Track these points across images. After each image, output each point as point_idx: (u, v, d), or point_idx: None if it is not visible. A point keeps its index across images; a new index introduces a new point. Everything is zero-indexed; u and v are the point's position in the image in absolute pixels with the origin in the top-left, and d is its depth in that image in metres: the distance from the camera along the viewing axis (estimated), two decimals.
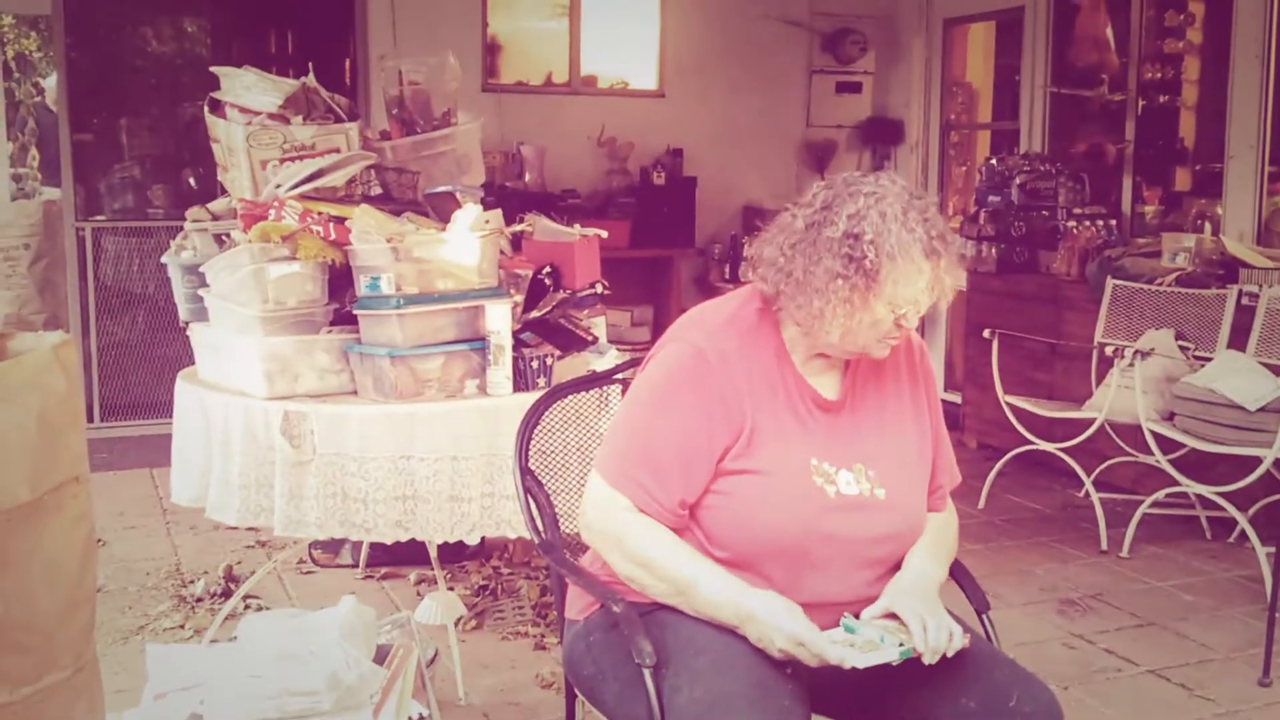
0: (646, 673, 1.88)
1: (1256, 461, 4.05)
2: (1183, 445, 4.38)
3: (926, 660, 1.89)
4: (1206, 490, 4.38)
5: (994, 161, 6.44)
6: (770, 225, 2.07)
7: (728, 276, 7.41)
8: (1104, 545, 4.61)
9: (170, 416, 3.44)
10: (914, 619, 1.90)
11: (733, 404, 1.98)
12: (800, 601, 1.96)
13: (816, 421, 2.04)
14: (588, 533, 2.06)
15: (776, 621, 1.87)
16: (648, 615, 1.99)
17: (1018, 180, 6.22)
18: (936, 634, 1.88)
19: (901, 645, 1.87)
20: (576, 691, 2.21)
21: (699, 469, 1.98)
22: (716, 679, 1.84)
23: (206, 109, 3.52)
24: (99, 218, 6.48)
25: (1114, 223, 6.15)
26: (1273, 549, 3.73)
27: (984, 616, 2.17)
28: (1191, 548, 4.67)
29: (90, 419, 6.20)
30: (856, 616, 1.99)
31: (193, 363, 3.53)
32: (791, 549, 1.96)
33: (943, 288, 1.96)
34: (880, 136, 7.83)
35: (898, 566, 2.07)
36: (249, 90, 3.41)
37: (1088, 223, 6.04)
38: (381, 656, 1.83)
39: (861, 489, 2.01)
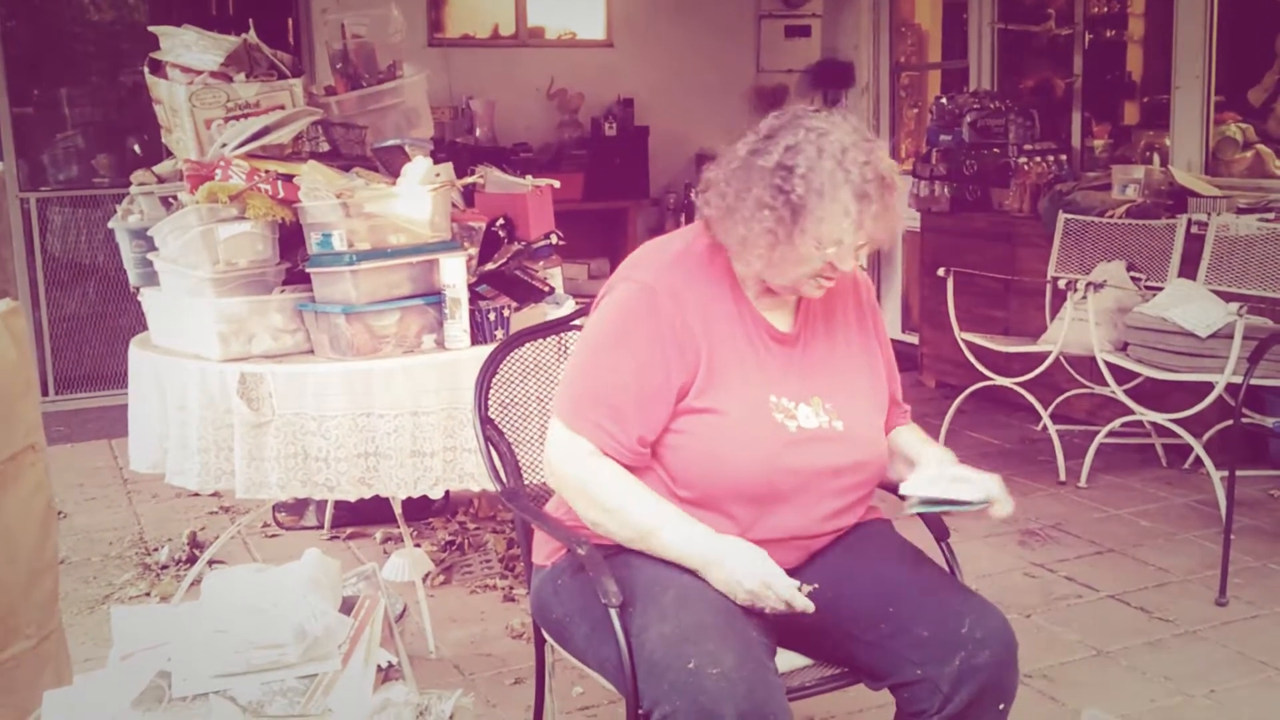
0: (613, 612, 1.89)
1: (1209, 387, 4.11)
2: (1137, 375, 4.44)
3: (1002, 511, 2.01)
4: (1161, 418, 4.44)
5: (944, 100, 6.45)
6: (722, 152, 2.05)
7: (683, 225, 7.39)
8: (1062, 476, 4.68)
9: (126, 386, 3.41)
10: (980, 479, 2.04)
11: (686, 341, 1.98)
12: (764, 537, 1.98)
13: (772, 355, 2.04)
14: (552, 478, 2.07)
15: (743, 564, 1.89)
16: (612, 557, 2.00)
17: (968, 119, 6.24)
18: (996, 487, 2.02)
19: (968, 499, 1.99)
20: (546, 637, 2.23)
21: (656, 406, 1.98)
22: (683, 613, 1.86)
23: (147, 70, 3.47)
24: (43, 189, 6.37)
25: (1064, 157, 6.18)
26: (1226, 473, 3.79)
27: (943, 544, 2.20)
28: (1148, 475, 4.74)
29: (45, 392, 6.13)
30: (814, 551, 2.03)
31: (145, 330, 3.50)
32: (755, 486, 1.98)
33: (871, 232, 1.93)
34: (831, 80, 7.81)
35: (861, 498, 2.10)
36: (189, 49, 3.36)
37: (1038, 158, 6.07)
38: (348, 608, 1.83)
39: (820, 421, 2.02)
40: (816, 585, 2.06)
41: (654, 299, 1.99)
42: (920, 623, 1.96)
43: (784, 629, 2.03)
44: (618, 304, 2.04)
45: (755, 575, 1.88)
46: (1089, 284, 4.49)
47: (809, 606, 1.88)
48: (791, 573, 2.08)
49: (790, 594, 1.88)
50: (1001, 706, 1.95)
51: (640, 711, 1.85)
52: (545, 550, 2.19)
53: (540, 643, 2.31)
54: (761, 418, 1.99)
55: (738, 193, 1.94)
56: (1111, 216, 5.14)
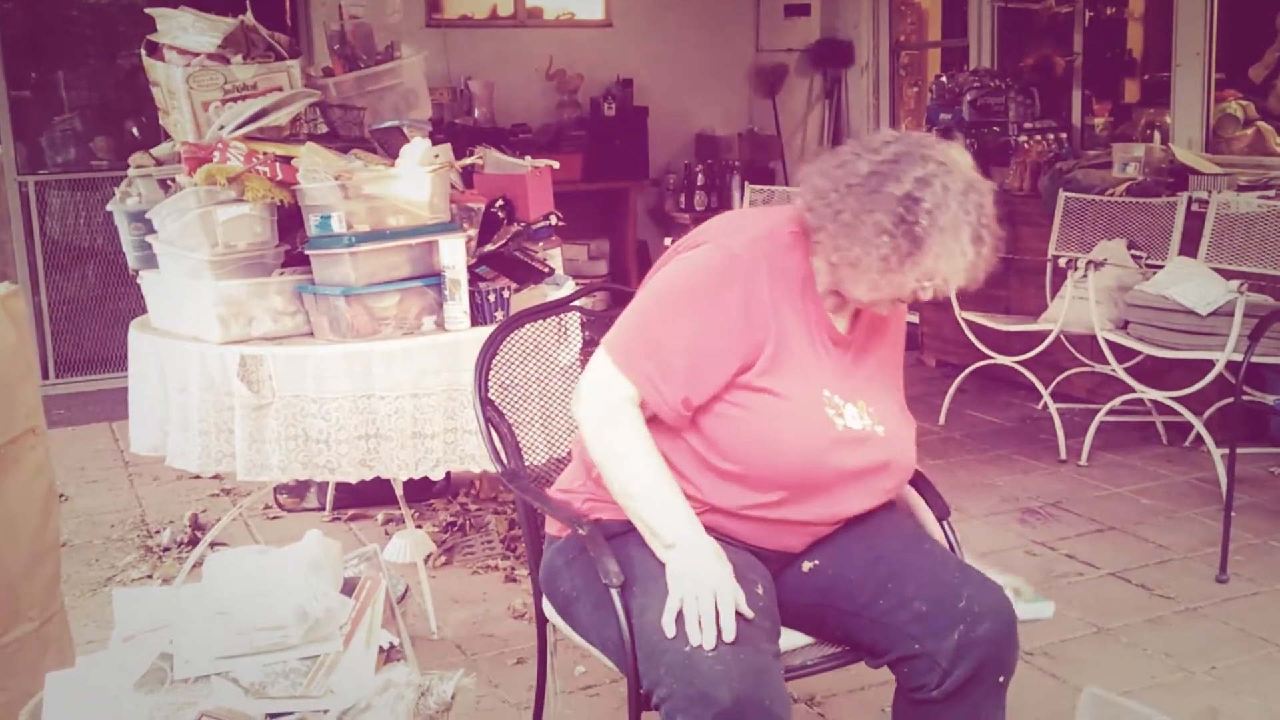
0: (614, 592, 1.90)
1: (1209, 365, 4.10)
2: (1137, 353, 4.43)
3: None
4: (1162, 396, 4.44)
5: (944, 79, 6.43)
6: (826, 155, 2.01)
7: (683, 206, 7.40)
8: (1063, 454, 4.68)
9: (126, 369, 3.41)
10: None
11: (757, 317, 1.96)
12: (783, 518, 2.00)
13: (829, 354, 2.04)
14: (579, 406, 2.02)
15: (707, 566, 1.87)
16: (620, 536, 2.01)
17: (968, 97, 6.22)
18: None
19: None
20: (548, 614, 2.23)
21: (710, 374, 1.96)
22: (664, 599, 1.86)
23: (144, 52, 3.45)
24: (42, 172, 6.36)
25: (1064, 136, 6.17)
26: (1227, 451, 3.80)
27: (945, 523, 2.20)
28: (1148, 453, 4.74)
29: (45, 376, 6.14)
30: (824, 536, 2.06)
31: (145, 313, 3.50)
32: (798, 474, 1.97)
33: (975, 274, 1.94)
34: (830, 59, 7.79)
35: (886, 499, 2.12)
36: (186, 31, 3.34)
37: (1039, 137, 6.06)
38: (349, 589, 1.84)
39: (865, 424, 2.03)
40: (817, 562, 2.07)
41: (737, 268, 1.97)
42: (918, 598, 1.97)
43: (785, 609, 2.03)
44: (699, 263, 2.00)
45: (709, 602, 1.82)
46: (1089, 262, 4.49)
47: (728, 633, 1.82)
48: (793, 555, 2.08)
49: (728, 617, 1.83)
50: (1001, 679, 1.96)
51: (640, 691, 1.85)
52: (559, 522, 2.18)
53: (542, 623, 2.31)
54: (815, 409, 1.99)
55: (856, 212, 1.90)
56: (1112, 194, 5.13)
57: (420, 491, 4.25)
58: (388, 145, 3.40)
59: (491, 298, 3.20)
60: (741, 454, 1.97)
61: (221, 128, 3.24)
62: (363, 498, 4.16)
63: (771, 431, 1.95)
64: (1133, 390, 4.52)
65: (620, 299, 2.58)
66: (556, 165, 3.81)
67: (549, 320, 2.59)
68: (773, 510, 2.00)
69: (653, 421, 2.00)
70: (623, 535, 2.01)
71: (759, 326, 1.96)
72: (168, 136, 3.59)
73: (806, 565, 2.08)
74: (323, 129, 3.57)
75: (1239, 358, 3.78)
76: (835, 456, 1.98)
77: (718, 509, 2.00)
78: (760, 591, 1.94)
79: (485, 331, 2.52)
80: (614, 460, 1.97)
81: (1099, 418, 4.68)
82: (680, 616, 1.82)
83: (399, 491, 3.49)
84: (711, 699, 1.72)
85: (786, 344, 1.98)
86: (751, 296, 1.96)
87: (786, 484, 1.98)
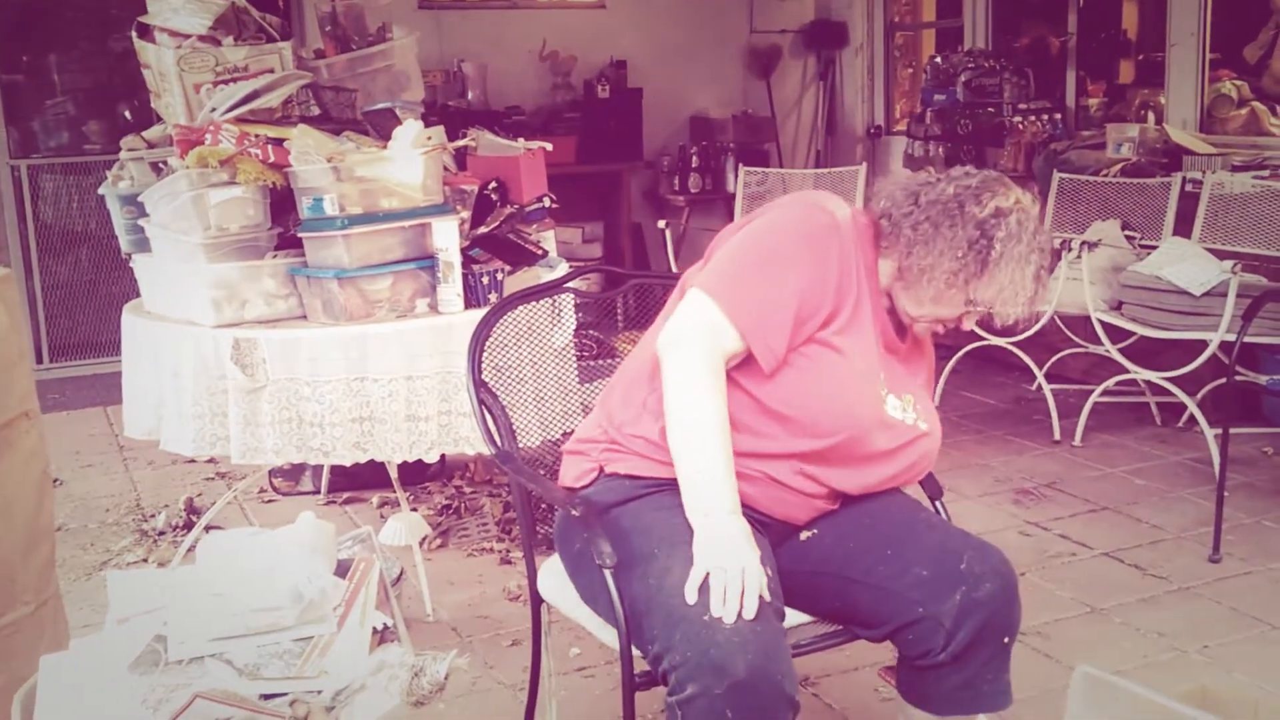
0: (608, 574, 1.90)
1: (1203, 345, 4.11)
2: (1131, 333, 4.43)
3: None
4: (1155, 376, 4.44)
5: (939, 60, 6.42)
6: (910, 174, 2.15)
7: (677, 188, 7.38)
8: (1057, 435, 4.69)
9: (120, 354, 3.40)
10: None
11: (847, 280, 2.03)
12: (799, 487, 2.03)
13: (882, 348, 2.10)
14: (675, 349, 1.98)
15: (737, 544, 1.86)
16: (649, 496, 2.01)
17: (963, 78, 6.22)
18: None
19: None
20: (544, 597, 2.23)
21: (808, 326, 2.00)
22: (688, 566, 1.86)
23: (135, 34, 3.43)
24: (34, 156, 6.33)
25: (1059, 116, 6.16)
26: (1220, 431, 3.80)
27: (938, 502, 2.21)
28: (1142, 434, 4.75)
29: (39, 360, 6.13)
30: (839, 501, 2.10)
31: (138, 297, 3.49)
32: (846, 430, 2.01)
33: (1026, 311, 2.05)
34: (824, 40, 7.78)
35: (903, 480, 2.17)
36: (177, 13, 3.33)
37: (1033, 117, 6.06)
38: (343, 571, 1.84)
39: (906, 416, 2.09)
40: (815, 532, 2.08)
41: (836, 234, 2.04)
42: (919, 563, 1.99)
43: (783, 580, 2.04)
44: (802, 221, 2.06)
45: (738, 578, 1.82)
46: (1084, 243, 4.49)
47: (750, 610, 1.82)
48: (794, 527, 2.09)
49: (749, 609, 1.82)
50: (1006, 640, 1.98)
51: (646, 658, 1.85)
52: (575, 472, 2.16)
53: (537, 604, 2.31)
54: (872, 382, 2.06)
55: (936, 224, 2.01)
56: (1106, 175, 5.13)
57: (415, 474, 4.25)
58: (380, 127, 3.38)
59: (485, 280, 3.20)
60: (799, 399, 1.99)
61: (213, 110, 3.23)
62: (358, 481, 4.16)
63: (833, 385, 2.00)
64: (1126, 371, 4.53)
65: (614, 281, 2.58)
66: (550, 147, 3.80)
67: (543, 302, 2.59)
68: (802, 464, 2.01)
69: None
70: (645, 496, 2.01)
71: (846, 289, 2.03)
72: (159, 119, 3.57)
73: (804, 535, 2.10)
74: (315, 111, 3.55)
75: (1232, 338, 3.78)
76: (876, 433, 2.04)
77: (741, 458, 1.98)
78: (770, 573, 1.94)
79: (479, 314, 2.51)
80: (693, 416, 1.94)
81: (1093, 398, 4.69)
82: (704, 587, 1.82)
83: (394, 474, 3.49)
84: (726, 670, 1.73)
85: (859, 316, 2.05)
86: (845, 260, 2.03)
87: (832, 434, 2.00)
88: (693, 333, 1.97)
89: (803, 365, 2.00)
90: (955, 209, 2.02)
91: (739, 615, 1.78)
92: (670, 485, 1.98)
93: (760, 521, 2.04)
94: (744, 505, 1.99)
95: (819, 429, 1.99)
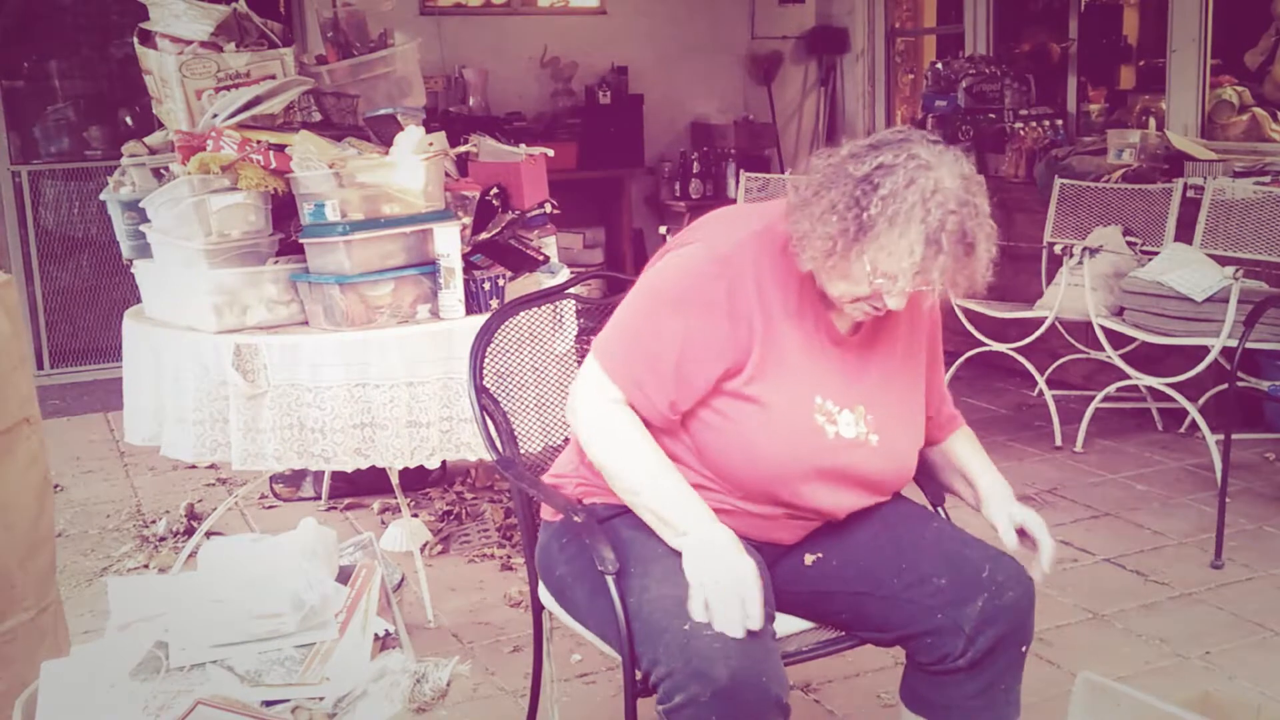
0: (610, 579, 1.90)
1: (1205, 351, 4.11)
2: (1133, 339, 4.43)
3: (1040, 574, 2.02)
4: (1157, 382, 4.44)
5: (940, 66, 6.42)
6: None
7: (679, 194, 7.39)
8: (1058, 441, 4.68)
9: (120, 359, 3.40)
10: (1041, 533, 2.03)
11: (744, 323, 1.92)
12: (773, 515, 2.00)
13: (827, 356, 1.99)
14: (572, 414, 2.01)
15: (726, 569, 1.82)
16: (618, 518, 2.01)
17: (964, 84, 6.22)
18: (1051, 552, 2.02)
19: None
20: (544, 600, 2.23)
21: (696, 378, 1.93)
22: (679, 576, 1.86)
23: (136, 40, 3.44)
24: (35, 162, 6.34)
25: (1060, 122, 6.16)
26: (1222, 437, 3.80)
27: (939, 509, 2.21)
28: (1144, 440, 4.75)
29: (40, 366, 6.13)
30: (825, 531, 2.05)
31: (139, 303, 3.49)
32: (778, 483, 1.96)
33: (931, 281, 1.82)
34: (825, 46, 7.78)
35: (877, 502, 2.09)
36: (179, 19, 3.33)
37: (1034, 124, 6.06)
38: (344, 577, 1.84)
39: (858, 432, 1.99)
40: (820, 555, 2.07)
41: (723, 270, 1.92)
42: (937, 573, 1.97)
43: (786, 598, 2.04)
44: (686, 264, 1.96)
45: (734, 590, 1.80)
46: (1085, 249, 4.49)
47: (755, 622, 1.80)
48: (790, 546, 2.08)
49: (755, 615, 1.80)
50: (1023, 649, 1.97)
51: (639, 673, 1.85)
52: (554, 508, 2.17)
53: (538, 610, 2.31)
54: (803, 418, 1.95)
55: (816, 190, 1.86)
56: (1107, 181, 5.13)
57: (416, 480, 4.25)
58: (382, 133, 3.39)
59: (486, 286, 3.20)
60: (721, 461, 1.96)
61: (215, 116, 3.23)
62: (359, 487, 4.16)
63: (752, 441, 1.93)
64: (1128, 377, 4.52)
65: (616, 286, 2.58)
66: (551, 153, 3.81)
67: (544, 308, 2.59)
68: (756, 507, 1.99)
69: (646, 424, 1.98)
70: (615, 518, 2.01)
71: (745, 332, 1.92)
72: (161, 125, 3.58)
73: (809, 558, 2.07)
74: (316, 117, 3.55)
75: (1234, 344, 3.78)
76: (819, 464, 1.96)
77: (704, 493, 1.97)
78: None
79: (480, 320, 2.51)
80: (612, 459, 1.95)
81: (1094, 404, 4.68)
82: (681, 597, 1.82)
83: (395, 480, 3.49)
84: (709, 676, 1.73)
85: (777, 349, 1.94)
86: (738, 300, 1.92)
87: (765, 493, 1.97)
88: (583, 395, 1.98)
89: (718, 425, 1.94)
90: (839, 168, 1.85)
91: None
92: None
93: (748, 543, 2.03)
94: None
95: (746, 487, 1.97)
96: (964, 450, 2.19)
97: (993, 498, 2.09)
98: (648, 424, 1.97)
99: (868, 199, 1.80)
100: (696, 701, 1.73)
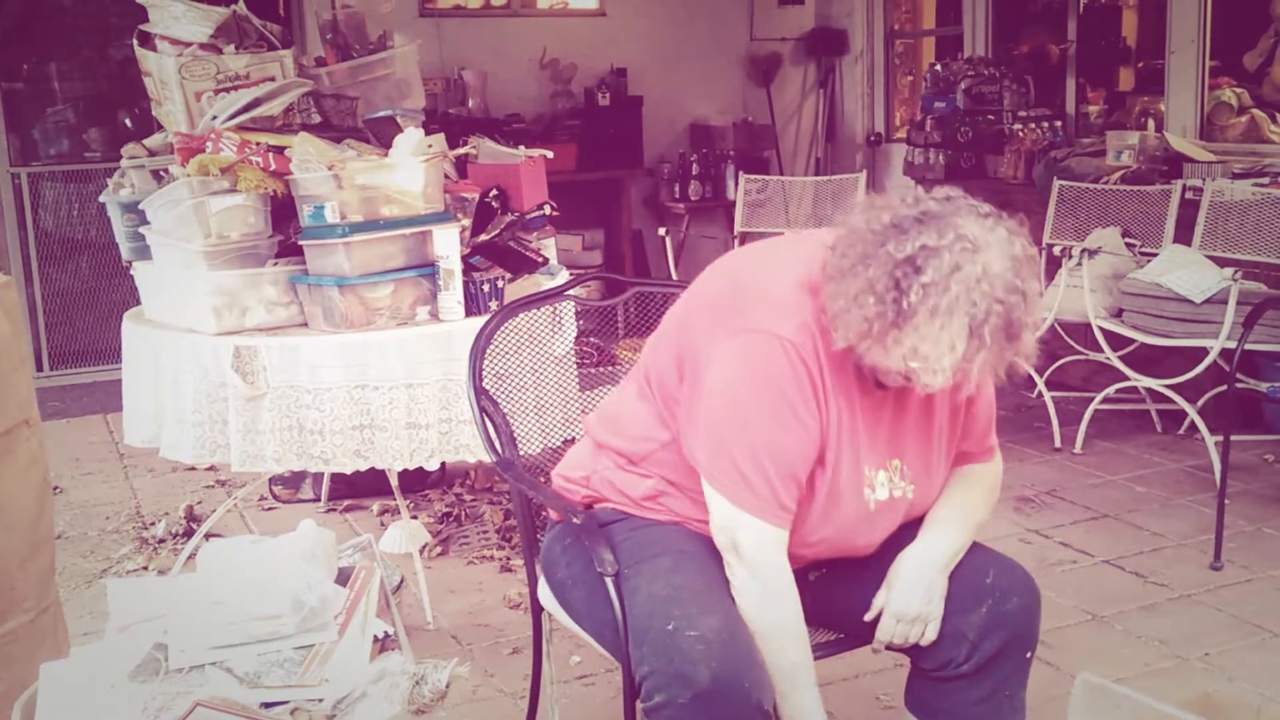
0: (609, 581, 1.90)
1: (1204, 353, 4.11)
2: (1132, 341, 4.43)
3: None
4: (1156, 384, 4.44)
5: (939, 67, 6.43)
6: (880, 194, 1.87)
7: (678, 196, 7.39)
8: (1057, 443, 4.68)
9: (120, 361, 3.40)
10: (887, 621, 1.94)
11: (820, 413, 1.84)
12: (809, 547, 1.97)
13: (871, 402, 1.89)
14: (737, 570, 1.87)
15: None
16: (615, 523, 2.01)
17: (962, 85, 6.22)
18: (895, 632, 1.93)
19: None
20: (544, 605, 2.23)
21: (805, 479, 1.87)
22: (674, 576, 1.86)
23: (136, 42, 3.44)
24: (34, 164, 6.34)
25: (1059, 124, 6.17)
26: (1221, 438, 3.80)
27: None
28: (1143, 441, 4.75)
29: (39, 368, 6.13)
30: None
31: (139, 304, 3.49)
32: (831, 546, 1.96)
33: (969, 375, 1.71)
34: (824, 48, 7.79)
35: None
36: (178, 21, 3.33)
37: (1033, 125, 6.06)
38: (344, 579, 1.84)
39: (893, 491, 1.94)
40: (824, 571, 2.06)
41: (800, 358, 1.80)
42: None
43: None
44: (768, 365, 1.81)
45: None
46: (1084, 250, 4.49)
47: None
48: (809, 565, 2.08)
49: None
50: (1028, 655, 1.97)
51: (631, 669, 1.85)
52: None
53: (538, 612, 2.31)
54: (854, 497, 1.90)
55: (854, 262, 1.72)
56: (1106, 183, 5.13)
57: (415, 482, 4.25)
58: (381, 135, 3.39)
59: (485, 288, 3.20)
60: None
61: (214, 118, 3.23)
62: (358, 489, 4.16)
63: (809, 528, 1.90)
64: (1127, 378, 4.53)
65: (614, 288, 2.58)
66: (550, 155, 3.81)
67: (543, 310, 2.59)
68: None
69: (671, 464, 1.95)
70: (615, 523, 2.01)
71: (823, 423, 1.84)
72: (160, 127, 3.58)
73: (813, 575, 2.07)
74: (316, 119, 3.55)
75: (1233, 345, 3.78)
76: (861, 531, 1.95)
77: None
78: None
79: (479, 321, 2.52)
80: (781, 641, 1.87)
81: (1093, 405, 4.69)
82: (672, 598, 1.81)
83: (394, 482, 3.49)
84: (690, 678, 1.72)
85: (840, 424, 1.85)
86: (816, 385, 1.82)
87: (818, 544, 1.95)
88: (749, 547, 1.84)
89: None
90: (882, 241, 1.70)
91: (703, 619, 1.76)
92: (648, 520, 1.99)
93: None
94: None
95: (807, 543, 1.93)
96: (954, 486, 2.05)
97: (912, 549, 1.96)
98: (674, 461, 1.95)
99: (908, 282, 1.66)
100: (675, 703, 1.73)
